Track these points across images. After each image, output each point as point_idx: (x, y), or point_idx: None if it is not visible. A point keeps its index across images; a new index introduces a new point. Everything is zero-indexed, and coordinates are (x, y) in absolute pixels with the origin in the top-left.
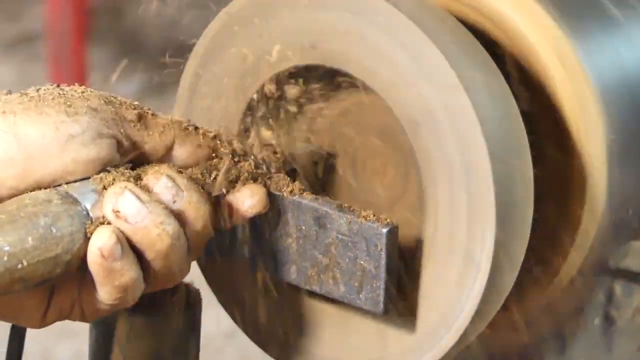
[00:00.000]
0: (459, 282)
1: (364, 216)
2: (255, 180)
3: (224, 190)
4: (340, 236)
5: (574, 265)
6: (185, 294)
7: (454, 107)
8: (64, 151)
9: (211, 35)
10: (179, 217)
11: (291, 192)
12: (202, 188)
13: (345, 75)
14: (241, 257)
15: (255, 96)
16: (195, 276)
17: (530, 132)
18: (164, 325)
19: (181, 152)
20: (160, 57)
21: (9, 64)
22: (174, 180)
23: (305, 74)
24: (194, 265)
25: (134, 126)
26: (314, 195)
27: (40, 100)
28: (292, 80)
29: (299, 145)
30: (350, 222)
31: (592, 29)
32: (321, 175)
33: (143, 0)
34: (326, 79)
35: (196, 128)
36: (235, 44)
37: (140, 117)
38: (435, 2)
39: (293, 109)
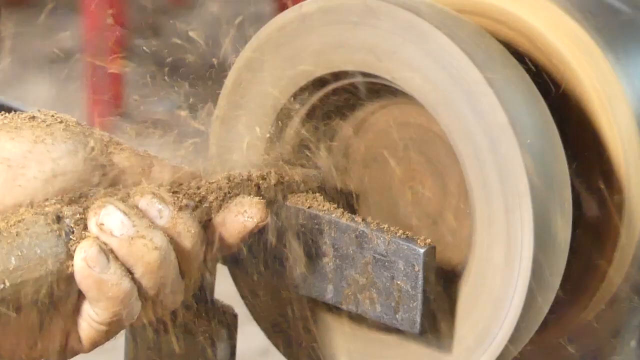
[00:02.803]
0: (496, 304)
1: (401, 236)
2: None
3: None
4: (377, 256)
5: (612, 287)
6: (221, 313)
7: (498, 137)
8: (42, 162)
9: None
10: (166, 232)
11: (328, 211)
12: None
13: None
14: (278, 276)
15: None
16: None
17: (568, 153)
18: (200, 343)
19: (161, 174)
20: (198, 76)
21: (46, 82)
22: (159, 197)
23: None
24: (230, 284)
25: (110, 147)
26: (351, 215)
27: (15, 119)
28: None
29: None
30: (387, 242)
31: (634, 52)
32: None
33: (181, 18)
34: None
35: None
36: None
37: (115, 142)
38: (478, 22)
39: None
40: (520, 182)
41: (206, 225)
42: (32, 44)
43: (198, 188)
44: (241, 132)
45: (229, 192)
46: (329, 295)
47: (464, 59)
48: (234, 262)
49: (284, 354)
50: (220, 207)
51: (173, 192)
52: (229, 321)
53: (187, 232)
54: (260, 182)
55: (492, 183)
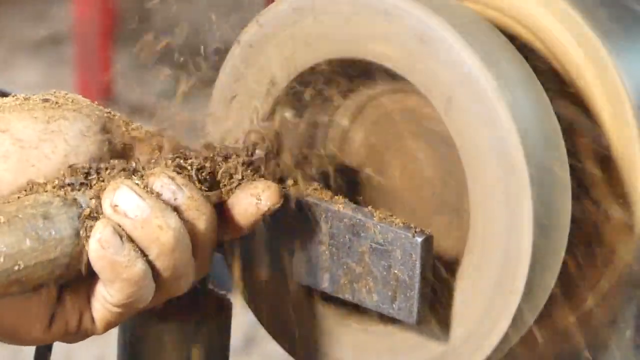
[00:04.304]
0: (493, 298)
1: (398, 225)
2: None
3: (225, 197)
4: (374, 245)
5: (610, 279)
6: (216, 300)
7: (498, 128)
8: (55, 143)
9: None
10: (180, 215)
11: (324, 198)
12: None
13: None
14: (273, 265)
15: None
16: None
17: (569, 144)
18: (194, 332)
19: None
20: (187, 61)
21: (36, 66)
22: (172, 179)
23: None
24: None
25: (122, 126)
26: (349, 202)
27: (28, 100)
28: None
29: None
30: (384, 230)
31: (634, 44)
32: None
33: (171, 3)
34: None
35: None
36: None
37: (126, 121)
38: (479, 11)
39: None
40: (521, 173)
41: (218, 208)
42: (22, 29)
43: (211, 169)
44: (248, 114)
45: (241, 175)
46: (325, 284)
47: (460, 42)
48: (228, 250)
49: (278, 342)
50: (233, 189)
51: (186, 173)
52: (224, 310)
53: (201, 214)
54: (271, 166)
55: (491, 171)
